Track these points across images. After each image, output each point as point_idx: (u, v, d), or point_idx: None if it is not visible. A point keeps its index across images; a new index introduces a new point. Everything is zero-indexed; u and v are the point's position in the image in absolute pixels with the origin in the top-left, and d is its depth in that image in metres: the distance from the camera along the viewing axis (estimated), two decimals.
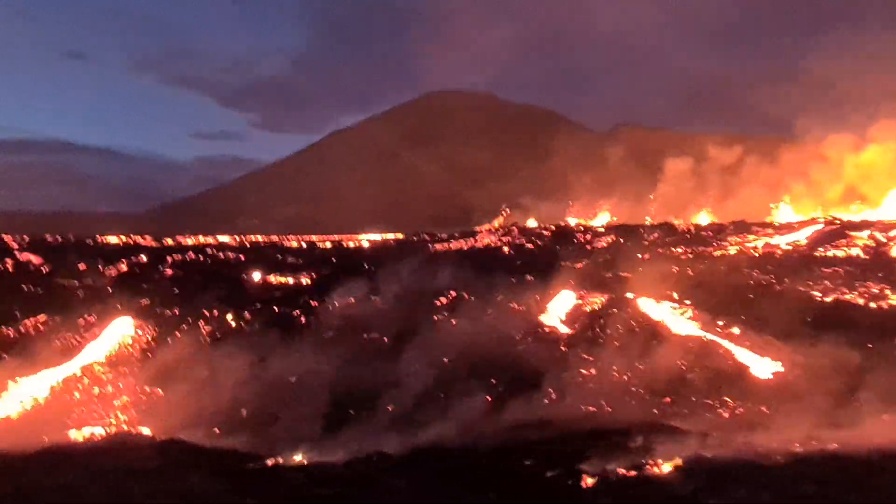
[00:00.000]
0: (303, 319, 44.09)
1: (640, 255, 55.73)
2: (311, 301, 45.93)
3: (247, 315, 43.19)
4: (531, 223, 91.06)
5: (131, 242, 73.67)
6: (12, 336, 41.65)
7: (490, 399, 32.24)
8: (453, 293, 46.55)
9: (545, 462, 22.67)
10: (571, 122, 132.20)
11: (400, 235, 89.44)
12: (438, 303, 45.61)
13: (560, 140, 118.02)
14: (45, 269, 53.26)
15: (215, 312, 42.52)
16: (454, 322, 41.38)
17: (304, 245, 78.68)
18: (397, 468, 24.66)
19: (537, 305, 42.74)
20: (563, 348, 37.04)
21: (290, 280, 54.17)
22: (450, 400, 32.01)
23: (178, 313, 42.59)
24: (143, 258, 57.29)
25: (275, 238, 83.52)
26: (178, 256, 58.60)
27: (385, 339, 39.11)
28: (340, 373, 34.53)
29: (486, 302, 44.41)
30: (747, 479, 20.11)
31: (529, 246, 71.12)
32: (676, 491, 19.80)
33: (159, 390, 34.59)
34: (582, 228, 75.11)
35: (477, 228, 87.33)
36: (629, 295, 43.49)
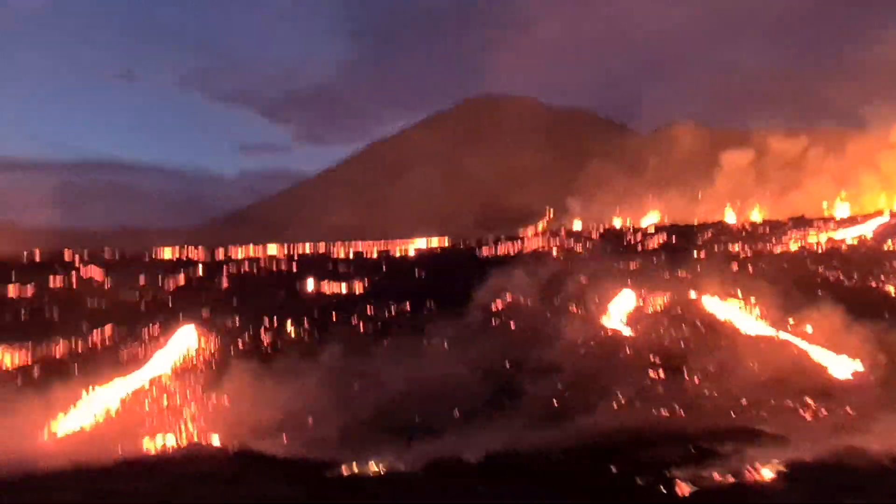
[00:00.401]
0: (361, 327, 43.89)
1: (696, 254, 54.22)
2: (368, 308, 45.67)
3: (305, 324, 43.11)
4: (577, 226, 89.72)
5: (186, 256, 74.79)
6: (81, 348, 42.43)
7: (557, 404, 31.48)
8: (509, 297, 45.93)
9: (633, 468, 21.78)
10: (616, 124, 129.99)
11: (445, 242, 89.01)
12: (495, 307, 45.05)
13: (604, 142, 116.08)
14: (107, 284, 54.14)
15: (275, 321, 42.55)
16: (513, 326, 40.73)
17: (353, 253, 78.75)
18: (473, 475, 24.08)
19: (597, 308, 41.76)
20: (627, 351, 36.01)
21: (344, 288, 54.12)
22: (517, 402, 31.38)
23: (238, 323, 42.76)
24: (200, 270, 57.87)
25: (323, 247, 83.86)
26: (233, 268, 59.08)
27: (444, 343, 38.52)
28: (406, 381, 34.06)
29: (542, 305, 43.69)
30: (858, 486, 18.91)
31: (578, 248, 70.02)
32: (784, 499, 18.70)
33: (226, 400, 34.67)
34: (632, 229, 73.68)
35: (521, 232, 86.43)
36: (692, 294, 42.18)
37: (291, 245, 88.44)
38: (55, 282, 53.39)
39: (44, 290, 52.06)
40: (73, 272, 54.81)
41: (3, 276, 53.11)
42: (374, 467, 25.69)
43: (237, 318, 43.06)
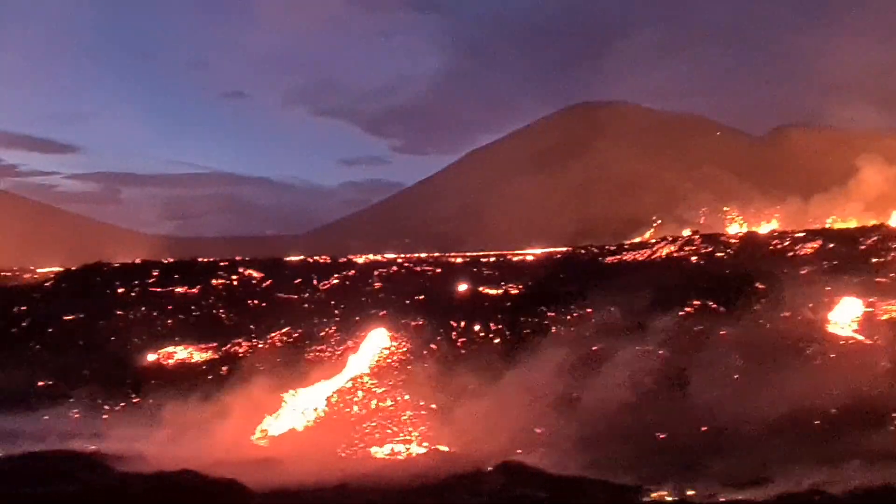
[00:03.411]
0: (540, 331, 40.54)
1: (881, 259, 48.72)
2: (546, 312, 42.28)
3: (492, 325, 40.02)
4: (686, 233, 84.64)
5: (313, 261, 73.30)
6: (266, 348, 40.55)
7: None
8: (696, 302, 41.81)
9: None
10: (725, 127, 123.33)
11: (562, 248, 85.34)
12: (683, 313, 41.01)
13: (714, 146, 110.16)
14: (264, 285, 52.50)
15: (462, 323, 39.62)
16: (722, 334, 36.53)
17: (469, 260, 75.87)
18: None
19: (813, 313, 37.21)
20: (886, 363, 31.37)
21: (498, 291, 50.93)
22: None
23: (422, 324, 39.98)
24: (352, 272, 55.64)
25: (437, 254, 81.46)
26: (382, 270, 56.67)
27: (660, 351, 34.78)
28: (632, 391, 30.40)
29: (743, 311, 39.35)
30: None
31: (720, 255, 65.07)
32: None
33: (434, 405, 31.82)
34: (776, 235, 68.31)
35: (643, 239, 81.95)
36: None
37: (406, 252, 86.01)
38: (217, 283, 52.19)
39: (209, 292, 50.86)
40: (234, 274, 53.49)
41: (169, 278, 52.27)
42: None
43: (421, 320, 40.28)
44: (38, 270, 63.77)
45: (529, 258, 77.82)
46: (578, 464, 25.19)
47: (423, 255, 71.45)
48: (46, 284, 55.33)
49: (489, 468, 24.25)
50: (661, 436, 28.45)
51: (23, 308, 46.10)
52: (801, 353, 34.96)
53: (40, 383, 36.98)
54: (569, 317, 42.17)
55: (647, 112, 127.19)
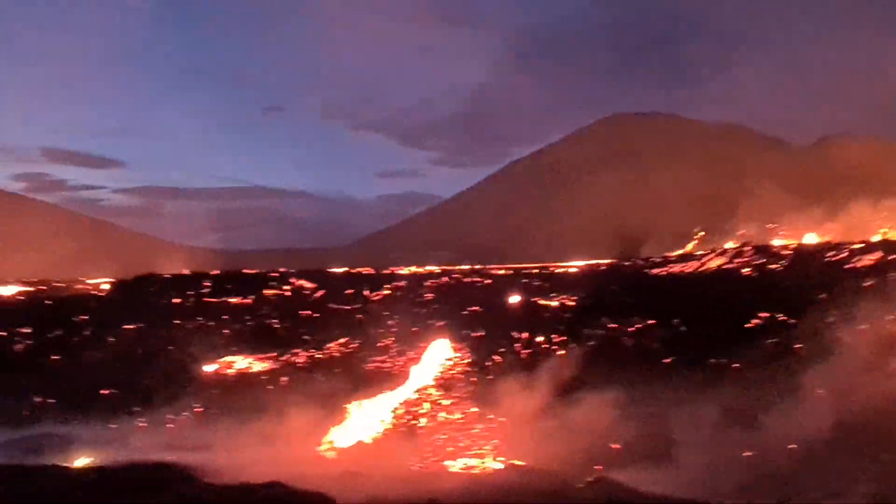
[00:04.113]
0: (605, 343, 39.30)
1: None
2: (608, 324, 41.06)
3: (555, 335, 38.86)
4: (729, 245, 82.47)
5: (356, 272, 72.85)
6: (323, 358, 39.95)
7: None
8: (764, 314, 40.22)
9: None
10: (768, 138, 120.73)
11: (605, 260, 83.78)
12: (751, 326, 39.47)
13: (756, 156, 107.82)
14: (316, 296, 52.09)
15: (524, 335, 38.56)
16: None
17: (516, 272, 74.73)
18: None
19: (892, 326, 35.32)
20: None
21: (553, 303, 49.75)
22: None
23: (483, 335, 39.01)
24: (402, 283, 55.00)
25: (483, 266, 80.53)
26: (432, 281, 55.95)
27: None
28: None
29: (813, 324, 37.58)
30: None
31: (774, 267, 63.03)
32: None
33: (504, 418, 30.69)
34: (832, 246, 66.02)
35: (686, 251, 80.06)
36: None
37: (447, 263, 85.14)
38: (270, 293, 51.93)
39: (262, 302, 50.57)
40: (285, 284, 53.21)
41: (221, 288, 52.14)
42: None
43: (482, 331, 39.33)
44: (89, 281, 64.34)
45: (574, 270, 76.49)
46: (669, 481, 23.88)
47: (467, 266, 70.53)
48: (101, 295, 55.76)
49: (579, 484, 23.01)
50: (748, 453, 26.97)
51: (83, 318, 46.27)
52: (881, 368, 33.22)
53: (104, 392, 36.74)
54: (631, 328, 40.98)
55: (687, 122, 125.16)
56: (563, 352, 37.47)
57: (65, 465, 22.51)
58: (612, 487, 22.59)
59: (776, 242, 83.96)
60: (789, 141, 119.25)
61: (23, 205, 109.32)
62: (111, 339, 42.78)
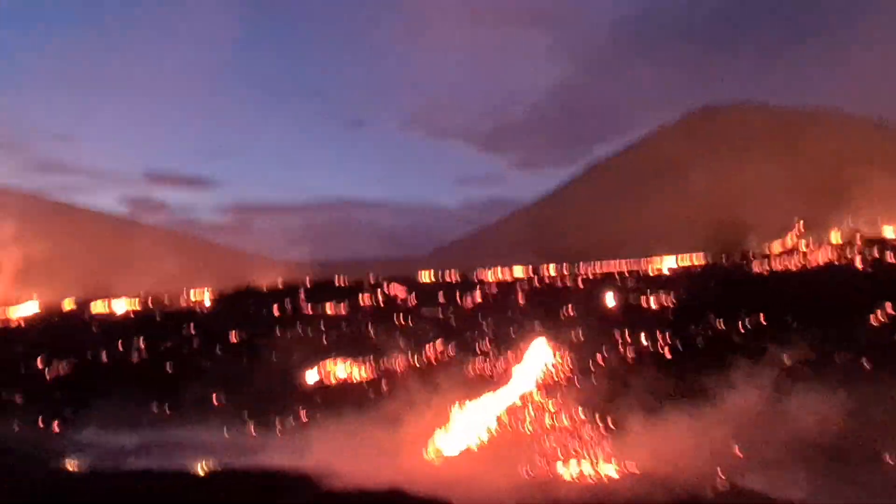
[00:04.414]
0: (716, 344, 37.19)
1: None
2: (715, 323, 38.89)
3: (656, 339, 37.17)
4: (834, 238, 76.82)
5: (442, 279, 72.79)
6: (419, 362, 39.86)
7: None
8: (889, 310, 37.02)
9: None
10: (870, 122, 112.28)
11: (695, 259, 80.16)
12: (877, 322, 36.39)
13: (855, 140, 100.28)
14: (408, 302, 52.35)
15: (626, 334, 37.09)
16: None
17: (607, 273, 72.49)
18: None
19: None
20: None
21: (653, 304, 47.79)
22: None
23: (584, 339, 37.79)
24: (493, 289, 54.49)
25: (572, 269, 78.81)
26: (524, 285, 55.13)
27: None
28: None
29: None
30: None
31: (891, 260, 58.34)
32: None
33: (612, 423, 29.41)
34: None
35: (786, 246, 75.38)
36: None
37: (535, 267, 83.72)
38: (363, 301, 52.65)
39: (357, 310, 51.31)
40: (378, 292, 53.83)
41: (316, 298, 53.31)
42: None
43: (580, 331, 38.14)
44: (192, 297, 67.35)
45: (669, 269, 73.55)
46: (803, 489, 22.05)
47: (554, 270, 68.94)
48: (205, 308, 58.13)
49: (707, 494, 21.57)
50: (888, 458, 24.66)
51: (191, 330, 48.28)
52: None
53: (215, 399, 37.96)
54: (742, 328, 38.69)
55: (775, 110, 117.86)
56: (669, 355, 35.70)
57: (194, 469, 23.16)
58: (745, 497, 21.02)
59: (889, 233, 77.79)
60: (891, 121, 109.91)
61: (129, 227, 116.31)
62: (218, 350, 44.30)
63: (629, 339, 37.11)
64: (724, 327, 38.07)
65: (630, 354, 35.52)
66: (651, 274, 70.77)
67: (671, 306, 44.94)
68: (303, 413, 35.36)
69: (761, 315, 39.36)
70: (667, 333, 37.81)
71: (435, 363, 39.25)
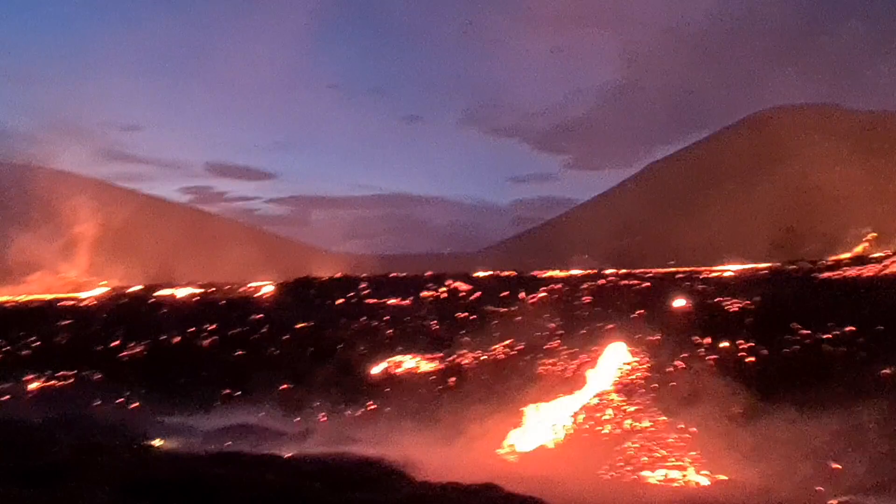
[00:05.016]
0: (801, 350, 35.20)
1: None
2: (799, 330, 36.87)
3: (737, 343, 35.41)
4: None
5: (499, 275, 71.75)
6: (488, 360, 39.01)
7: None
8: None
9: None
10: None
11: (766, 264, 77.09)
12: None
13: None
14: (472, 297, 51.49)
15: (706, 340, 35.48)
16: None
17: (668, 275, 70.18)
18: None
19: None
20: None
21: (728, 308, 45.69)
22: None
23: (659, 339, 36.32)
24: (557, 285, 53.13)
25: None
26: (590, 284, 53.61)
27: None
28: None
29: None
30: None
31: None
32: None
33: (695, 427, 28.03)
34: None
35: (855, 254, 71.88)
36: None
37: (593, 267, 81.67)
38: (427, 295, 52.08)
39: (420, 304, 50.78)
40: (441, 287, 53.20)
41: (378, 291, 52.99)
42: None
43: (659, 335, 36.65)
44: (251, 284, 68.06)
45: (731, 273, 70.74)
46: None
47: (618, 270, 66.97)
48: (269, 296, 58.49)
49: None
50: None
51: (258, 316, 48.58)
52: None
53: (283, 387, 37.93)
54: (831, 335, 36.50)
55: (850, 113, 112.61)
56: (750, 358, 33.95)
57: (280, 454, 22.90)
58: None
59: None
60: None
61: (193, 215, 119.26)
62: (285, 337, 44.36)
63: (709, 343, 35.42)
64: (811, 334, 35.99)
65: (711, 358, 33.87)
66: (715, 278, 68.19)
67: (748, 311, 42.90)
68: (373, 405, 34.95)
69: (850, 324, 37.09)
70: (749, 339, 35.98)
71: (504, 360, 38.33)
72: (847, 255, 76.09)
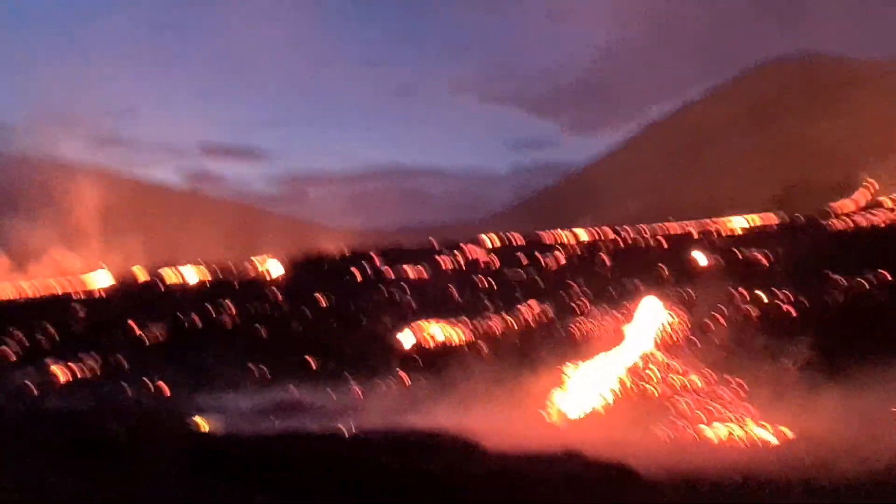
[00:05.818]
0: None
1: None
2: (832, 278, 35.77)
3: (772, 296, 34.28)
4: None
5: (508, 242, 70.36)
6: (518, 323, 37.86)
7: None
8: None
9: None
10: None
11: (768, 217, 76.00)
12: None
13: None
14: (493, 266, 50.28)
15: (741, 292, 34.34)
16: None
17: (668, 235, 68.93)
18: None
19: None
20: None
21: (752, 260, 44.53)
22: None
23: (693, 294, 35.15)
24: (578, 250, 51.98)
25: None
26: (605, 243, 52.51)
27: None
28: None
29: None
30: None
31: None
32: None
33: (745, 382, 26.92)
34: None
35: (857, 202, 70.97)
36: None
37: (598, 229, 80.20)
38: (444, 264, 50.78)
39: (438, 272, 49.47)
40: (459, 253, 51.88)
41: (396, 260, 51.64)
42: None
43: (691, 290, 35.48)
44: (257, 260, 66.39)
45: (742, 229, 69.40)
46: None
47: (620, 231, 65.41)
48: (278, 274, 56.87)
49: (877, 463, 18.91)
50: None
51: (273, 294, 47.15)
52: None
53: (310, 359, 36.61)
54: (868, 284, 35.40)
55: (858, 63, 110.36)
56: (791, 308, 32.83)
57: (321, 430, 21.69)
58: None
59: None
60: None
61: (190, 198, 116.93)
62: (306, 311, 43.00)
63: (746, 296, 34.28)
64: (847, 283, 34.92)
65: (750, 310, 32.74)
66: (732, 233, 66.91)
67: (775, 263, 41.82)
68: (402, 373, 33.72)
69: (883, 270, 36.04)
70: (785, 290, 34.85)
71: (534, 324, 37.16)
72: (849, 204, 75.11)
